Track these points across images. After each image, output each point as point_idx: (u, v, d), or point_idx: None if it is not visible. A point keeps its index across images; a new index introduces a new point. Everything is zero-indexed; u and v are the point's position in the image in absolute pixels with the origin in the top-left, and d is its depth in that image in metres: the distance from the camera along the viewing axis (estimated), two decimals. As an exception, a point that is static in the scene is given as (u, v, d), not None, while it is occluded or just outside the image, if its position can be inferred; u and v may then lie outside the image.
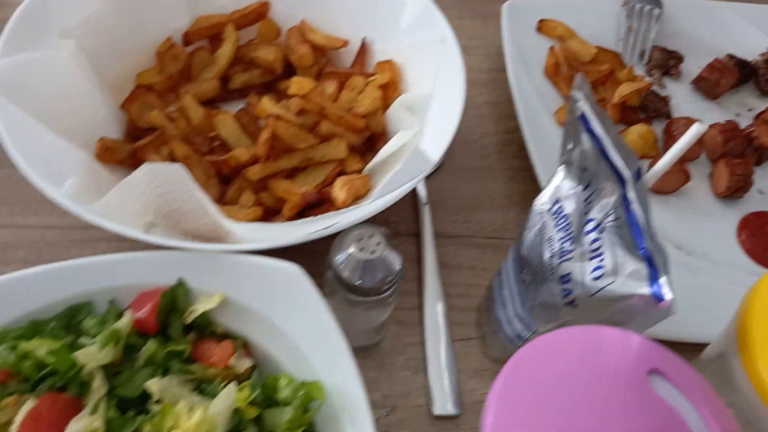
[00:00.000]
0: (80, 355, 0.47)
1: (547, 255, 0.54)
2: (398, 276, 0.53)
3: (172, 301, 0.53)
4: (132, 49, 0.72)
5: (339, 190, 0.63)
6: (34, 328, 0.50)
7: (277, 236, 0.56)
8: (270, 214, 0.66)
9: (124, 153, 0.65)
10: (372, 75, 0.71)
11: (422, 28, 0.70)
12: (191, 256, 0.54)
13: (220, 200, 0.65)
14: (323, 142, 0.65)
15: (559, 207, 0.55)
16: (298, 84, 0.66)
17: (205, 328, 0.54)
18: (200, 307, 0.53)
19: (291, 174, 0.66)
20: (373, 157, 0.67)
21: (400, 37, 0.72)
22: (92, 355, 0.48)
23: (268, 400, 0.50)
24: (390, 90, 0.70)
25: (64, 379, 0.47)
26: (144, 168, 0.54)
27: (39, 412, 0.44)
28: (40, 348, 0.47)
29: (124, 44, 0.71)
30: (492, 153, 0.82)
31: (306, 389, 0.49)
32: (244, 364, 0.52)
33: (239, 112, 0.69)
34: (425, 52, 0.68)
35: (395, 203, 0.59)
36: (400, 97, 0.68)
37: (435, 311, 0.66)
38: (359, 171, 0.68)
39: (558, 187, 0.56)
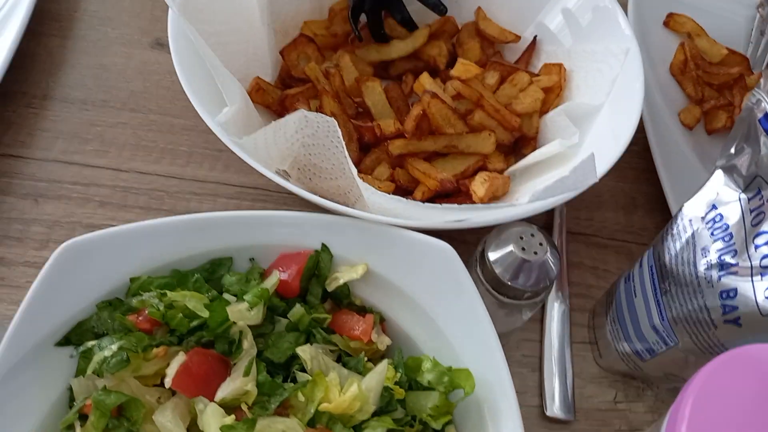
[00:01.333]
0: (232, 312, 0.45)
1: (702, 267, 0.50)
2: (552, 283, 0.50)
3: (315, 266, 0.51)
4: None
5: (479, 185, 0.60)
6: (178, 279, 0.49)
7: (425, 215, 0.53)
8: (399, 192, 0.63)
9: (273, 97, 0.63)
10: (537, 75, 0.68)
11: (602, 37, 0.66)
12: (336, 220, 0.52)
13: (356, 166, 0.63)
14: (471, 132, 0.62)
15: (717, 215, 0.52)
16: (463, 66, 0.62)
17: (343, 299, 0.52)
18: (343, 276, 0.51)
19: (430, 158, 0.63)
20: (515, 160, 0.64)
21: (577, 42, 0.69)
22: (243, 313, 0.46)
23: (409, 381, 0.48)
24: (552, 94, 0.66)
25: (212, 334, 0.45)
26: (298, 113, 0.52)
27: (189, 366, 0.43)
28: (190, 300, 0.46)
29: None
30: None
31: (452, 376, 0.47)
32: (384, 341, 0.50)
33: (389, 85, 0.67)
34: (602, 62, 0.63)
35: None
36: (564, 104, 0.64)
37: (555, 310, 0.63)
38: (501, 171, 0.64)
39: (715, 192, 0.52)
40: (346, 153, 0.53)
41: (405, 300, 0.51)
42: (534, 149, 0.64)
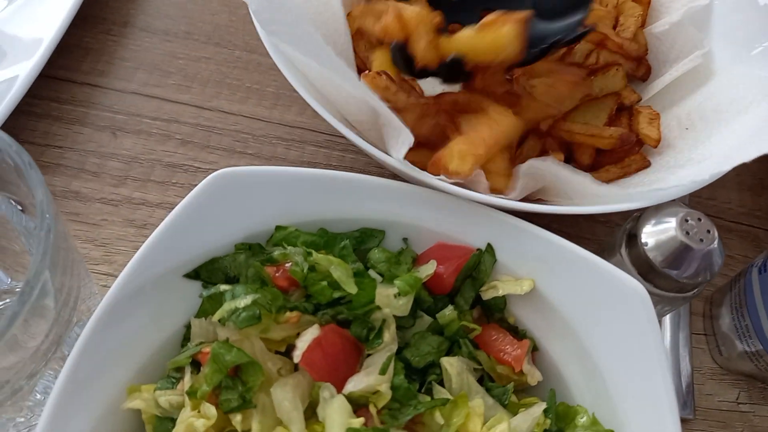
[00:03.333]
0: (380, 296, 0.39)
1: None
2: (711, 279, 0.44)
3: (475, 267, 0.44)
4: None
5: (649, 127, 0.53)
6: (326, 240, 0.43)
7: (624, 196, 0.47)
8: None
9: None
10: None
11: None
12: (508, 220, 0.44)
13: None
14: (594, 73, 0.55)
15: None
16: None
17: (496, 312, 0.45)
18: (504, 288, 0.43)
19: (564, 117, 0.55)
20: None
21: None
22: (390, 299, 0.39)
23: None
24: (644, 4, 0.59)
25: (353, 314, 0.39)
26: None
27: (322, 343, 0.37)
28: (336, 269, 0.40)
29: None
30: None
31: (612, 441, 0.38)
32: (536, 376, 0.42)
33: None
34: None
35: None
36: (679, 9, 0.57)
37: None
38: (637, 102, 0.57)
39: None
40: None
41: (568, 335, 0.43)
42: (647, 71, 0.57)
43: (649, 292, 0.45)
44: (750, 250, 0.62)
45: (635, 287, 0.41)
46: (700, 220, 0.44)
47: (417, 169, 0.45)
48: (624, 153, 0.56)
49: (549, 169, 0.45)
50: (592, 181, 0.47)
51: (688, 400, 0.53)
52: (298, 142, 0.61)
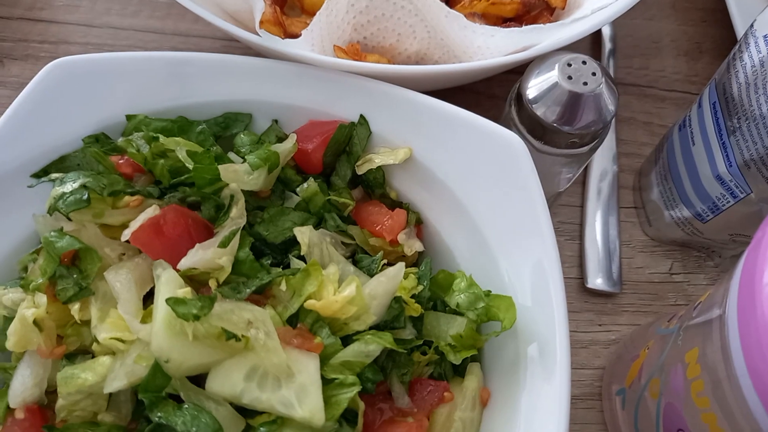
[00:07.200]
0: (225, 170, 0.36)
1: None
2: (608, 125, 0.40)
3: (347, 140, 0.41)
4: None
5: None
6: (180, 125, 0.40)
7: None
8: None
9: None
10: None
11: None
12: (381, 88, 0.41)
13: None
14: None
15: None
16: None
17: (375, 188, 0.42)
18: (379, 159, 0.40)
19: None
20: None
21: None
22: (239, 174, 0.37)
23: (433, 299, 0.38)
24: None
25: (199, 194, 0.37)
26: None
27: (160, 222, 0.34)
28: (181, 149, 0.37)
29: None
30: (678, -15, 0.64)
31: (490, 302, 0.36)
32: (413, 246, 0.40)
33: None
34: None
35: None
36: None
37: (601, 170, 0.53)
38: None
39: None
40: None
41: (451, 202, 0.40)
42: None
43: (548, 153, 0.42)
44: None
45: (510, 138, 0.38)
46: (584, 63, 0.40)
47: (277, 38, 0.42)
48: (533, 20, 0.52)
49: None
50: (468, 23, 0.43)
51: (615, 275, 0.50)
52: (195, 50, 0.58)
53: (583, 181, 0.53)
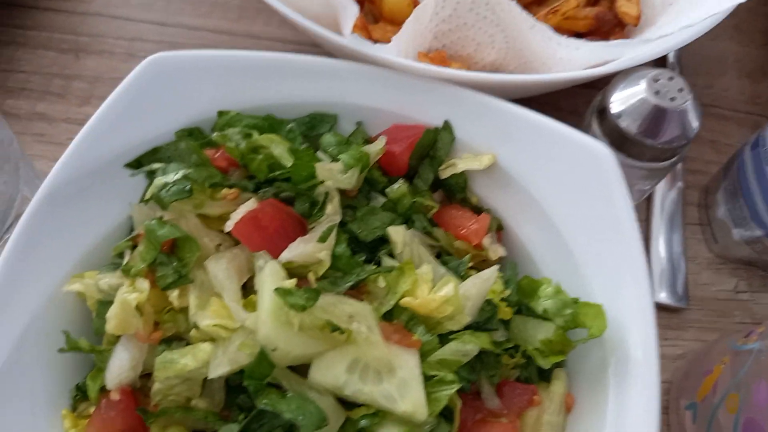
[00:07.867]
0: (321, 168, 0.37)
1: None
2: (690, 140, 0.41)
3: (432, 145, 0.42)
4: None
5: (628, 4, 0.50)
6: (271, 123, 0.41)
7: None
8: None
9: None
10: None
11: None
12: (467, 95, 0.42)
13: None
14: None
15: None
16: None
17: (457, 192, 0.42)
18: (462, 164, 0.41)
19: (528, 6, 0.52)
20: None
21: None
22: (333, 172, 0.37)
23: (518, 304, 0.38)
24: None
25: (294, 189, 0.37)
26: None
27: (259, 216, 0.35)
28: (276, 146, 0.38)
29: None
30: (740, 9, 0.63)
31: (578, 310, 0.36)
32: (497, 251, 0.40)
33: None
34: None
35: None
36: None
37: (667, 186, 0.54)
38: None
39: None
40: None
41: (533, 209, 0.40)
42: None
43: (628, 166, 0.42)
44: (749, 137, 0.58)
45: (599, 150, 0.39)
46: (671, 79, 0.41)
47: (368, 42, 0.43)
48: (604, 36, 0.53)
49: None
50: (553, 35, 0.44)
51: (681, 290, 0.50)
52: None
53: (648, 196, 0.54)
